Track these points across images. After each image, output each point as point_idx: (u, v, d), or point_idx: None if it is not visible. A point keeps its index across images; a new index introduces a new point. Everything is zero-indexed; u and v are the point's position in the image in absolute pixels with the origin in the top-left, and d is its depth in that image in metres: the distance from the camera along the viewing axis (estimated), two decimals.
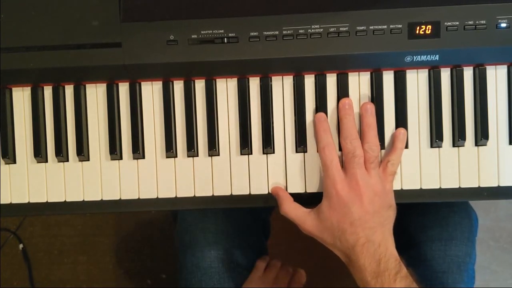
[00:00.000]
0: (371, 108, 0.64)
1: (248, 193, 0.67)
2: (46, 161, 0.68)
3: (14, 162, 0.68)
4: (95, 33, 0.63)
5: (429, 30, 0.62)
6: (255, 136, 0.67)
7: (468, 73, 0.66)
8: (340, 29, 0.62)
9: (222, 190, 0.67)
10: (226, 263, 0.79)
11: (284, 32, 0.62)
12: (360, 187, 0.60)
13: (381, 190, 0.62)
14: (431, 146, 0.66)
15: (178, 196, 0.67)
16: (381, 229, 0.61)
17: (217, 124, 0.67)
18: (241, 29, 0.62)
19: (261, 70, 0.66)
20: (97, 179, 0.68)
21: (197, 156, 0.67)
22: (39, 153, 0.67)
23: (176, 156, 0.68)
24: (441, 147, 0.66)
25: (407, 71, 0.66)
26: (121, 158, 0.68)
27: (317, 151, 0.65)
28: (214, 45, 0.63)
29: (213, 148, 0.66)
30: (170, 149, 0.67)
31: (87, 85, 0.68)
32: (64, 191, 0.68)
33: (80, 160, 0.68)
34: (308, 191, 0.67)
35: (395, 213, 0.64)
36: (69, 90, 0.68)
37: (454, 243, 0.75)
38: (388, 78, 0.66)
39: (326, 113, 0.66)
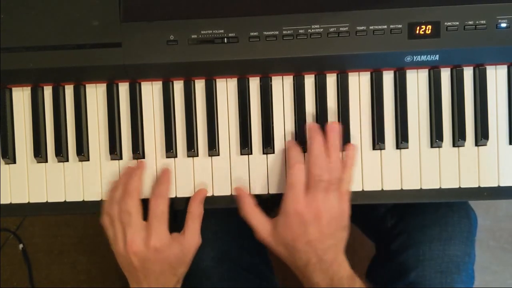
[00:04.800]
0: (336, 129, 0.63)
1: (248, 193, 0.67)
2: (46, 161, 0.68)
3: (14, 162, 0.68)
4: (95, 33, 0.63)
5: (429, 30, 0.62)
6: (255, 136, 0.67)
7: (468, 73, 0.66)
8: (340, 29, 0.62)
9: (222, 190, 0.67)
10: (226, 263, 0.79)
11: (284, 32, 0.62)
12: (320, 210, 0.60)
13: (339, 213, 0.62)
14: (431, 146, 0.66)
15: (178, 196, 0.67)
16: (334, 249, 0.62)
17: (217, 124, 0.67)
18: (241, 29, 0.62)
19: (261, 70, 0.66)
20: (97, 179, 0.68)
21: (197, 156, 0.67)
22: (39, 153, 0.67)
23: (176, 156, 0.68)
24: (441, 147, 0.66)
25: (407, 71, 0.66)
26: (121, 158, 0.68)
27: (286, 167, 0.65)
28: (214, 45, 0.63)
29: (213, 148, 0.66)
30: (170, 149, 0.67)
31: (87, 85, 0.68)
32: (64, 191, 0.68)
33: (80, 160, 0.68)
34: None
35: (348, 232, 0.64)
36: (69, 90, 0.68)
37: (453, 243, 0.75)
38: (388, 78, 0.66)
39: (326, 113, 0.66)
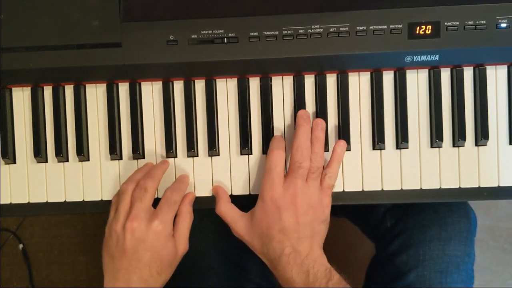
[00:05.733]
0: (321, 123, 0.64)
1: (248, 193, 0.67)
2: (46, 161, 0.68)
3: (14, 162, 0.68)
4: (95, 33, 0.63)
5: (429, 30, 0.62)
6: (255, 136, 0.67)
7: (468, 73, 0.66)
8: (340, 29, 0.62)
9: None
10: (226, 263, 0.79)
11: (284, 32, 0.62)
12: (297, 196, 0.60)
13: (317, 203, 0.61)
14: (431, 146, 0.66)
15: None
16: (309, 241, 0.60)
17: (217, 124, 0.67)
18: (241, 29, 0.62)
19: (261, 70, 0.66)
20: (97, 179, 0.68)
21: (197, 156, 0.67)
22: (39, 153, 0.67)
23: (176, 156, 0.68)
24: (441, 147, 0.66)
25: (407, 71, 0.66)
26: (121, 158, 0.68)
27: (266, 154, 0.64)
28: (214, 45, 0.63)
29: (213, 148, 0.66)
30: (170, 149, 0.67)
31: (87, 85, 0.68)
32: (64, 191, 0.68)
33: (80, 160, 0.68)
34: None
35: (327, 228, 0.63)
36: (69, 90, 0.68)
37: (453, 242, 0.75)
38: (388, 78, 0.66)
39: (326, 113, 0.66)
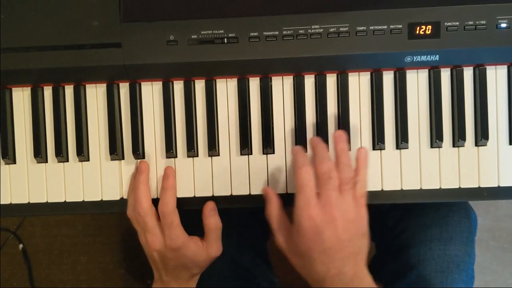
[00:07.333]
0: (343, 135, 0.61)
1: (248, 193, 0.67)
2: (46, 161, 0.68)
3: (14, 162, 0.68)
4: (95, 33, 0.63)
5: (429, 30, 0.62)
6: (255, 136, 0.67)
7: (468, 73, 0.66)
8: (340, 29, 0.62)
9: (222, 190, 0.67)
10: (226, 263, 0.79)
11: (284, 32, 0.62)
12: (334, 212, 0.55)
13: (356, 216, 0.57)
14: (431, 146, 0.66)
15: (178, 196, 0.67)
16: (354, 260, 0.56)
17: (217, 124, 0.67)
18: (241, 29, 0.62)
19: (261, 70, 0.66)
20: (97, 179, 0.68)
21: (197, 156, 0.67)
22: (39, 153, 0.67)
23: (176, 157, 0.68)
24: (441, 147, 0.66)
25: (407, 71, 0.66)
26: (121, 158, 0.68)
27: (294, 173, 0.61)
28: (214, 45, 0.63)
29: (213, 148, 0.66)
30: (170, 150, 0.67)
31: (87, 85, 0.68)
32: (64, 191, 0.68)
33: (80, 160, 0.68)
34: None
35: (369, 242, 0.60)
36: (69, 90, 0.68)
37: (453, 242, 0.75)
38: (388, 78, 0.66)
39: (326, 113, 0.66)
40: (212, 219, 0.66)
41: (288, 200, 0.64)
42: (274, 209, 0.61)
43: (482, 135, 0.65)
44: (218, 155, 0.67)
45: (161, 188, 0.66)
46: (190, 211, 0.67)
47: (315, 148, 0.60)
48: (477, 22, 0.62)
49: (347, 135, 0.63)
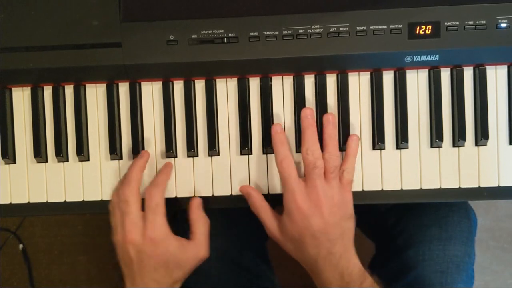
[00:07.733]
0: (333, 118, 0.63)
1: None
2: (46, 161, 0.68)
3: (14, 162, 0.68)
4: (95, 33, 0.63)
5: (429, 30, 0.62)
6: (255, 136, 0.67)
7: (468, 73, 0.66)
8: (340, 29, 0.62)
9: (222, 190, 0.67)
10: (226, 264, 0.79)
11: (284, 32, 0.62)
12: (320, 198, 0.60)
13: (341, 200, 0.61)
14: (431, 146, 0.66)
15: (178, 196, 0.67)
16: (341, 241, 0.61)
17: (217, 124, 0.67)
18: (241, 29, 0.62)
19: (261, 70, 0.66)
20: (97, 179, 0.68)
21: (197, 156, 0.67)
22: (39, 153, 0.67)
23: (176, 156, 0.68)
24: (441, 147, 0.66)
25: (407, 71, 0.66)
26: (121, 158, 0.68)
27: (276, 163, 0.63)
28: (214, 45, 0.63)
29: (213, 148, 0.66)
30: (170, 149, 0.67)
31: (87, 85, 0.68)
32: (64, 191, 0.68)
33: (80, 160, 0.68)
34: None
35: (355, 223, 0.63)
36: (69, 90, 0.68)
37: (453, 243, 0.75)
38: (388, 78, 0.66)
39: (326, 112, 0.66)
40: (198, 214, 0.65)
41: None
42: (256, 201, 0.64)
43: (482, 135, 0.65)
44: (218, 155, 0.67)
45: (151, 182, 0.64)
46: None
47: (305, 131, 0.62)
48: (477, 22, 0.62)
49: (336, 117, 0.65)
